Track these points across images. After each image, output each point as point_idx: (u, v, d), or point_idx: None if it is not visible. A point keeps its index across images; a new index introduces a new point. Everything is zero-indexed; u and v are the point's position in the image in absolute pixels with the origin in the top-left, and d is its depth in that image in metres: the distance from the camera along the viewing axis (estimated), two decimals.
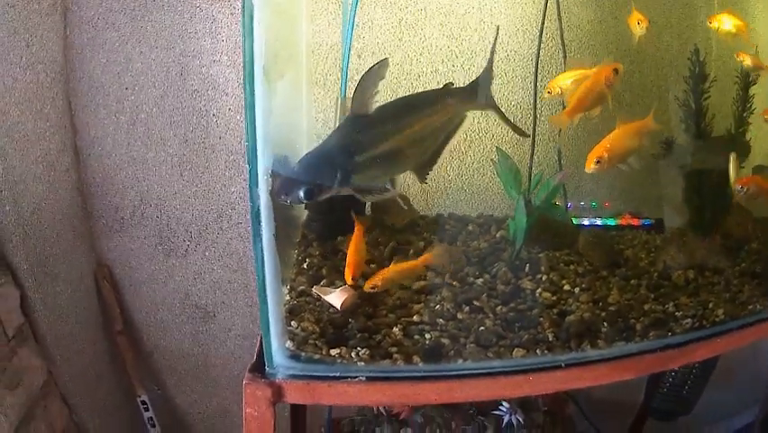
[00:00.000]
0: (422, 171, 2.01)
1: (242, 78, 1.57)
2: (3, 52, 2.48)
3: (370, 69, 1.86)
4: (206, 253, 3.14)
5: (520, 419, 2.63)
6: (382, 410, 2.74)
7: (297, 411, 3.00)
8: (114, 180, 2.98)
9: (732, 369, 3.66)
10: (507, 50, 2.82)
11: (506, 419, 2.64)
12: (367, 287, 2.02)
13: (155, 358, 3.38)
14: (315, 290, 2.09)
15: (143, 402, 3.28)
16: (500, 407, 2.66)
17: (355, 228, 2.12)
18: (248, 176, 1.62)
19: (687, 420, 3.39)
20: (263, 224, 1.65)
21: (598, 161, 2.06)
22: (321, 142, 1.90)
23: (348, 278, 2.03)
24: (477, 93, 2.11)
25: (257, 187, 1.62)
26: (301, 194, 1.73)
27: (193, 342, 3.35)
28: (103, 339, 3.17)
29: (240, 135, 2.86)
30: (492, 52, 2.14)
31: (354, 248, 2.10)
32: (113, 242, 3.09)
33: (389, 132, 1.90)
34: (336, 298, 2.00)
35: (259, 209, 1.63)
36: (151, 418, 3.32)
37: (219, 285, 3.22)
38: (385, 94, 2.71)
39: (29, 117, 2.59)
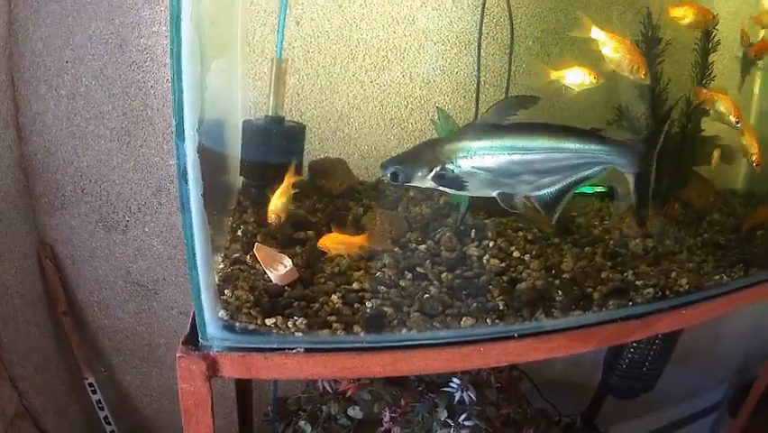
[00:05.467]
0: (547, 209, 1.91)
1: None
2: None
3: (521, 96, 1.90)
4: (146, 229, 3.08)
5: (472, 396, 2.58)
6: (329, 388, 2.70)
7: (244, 391, 2.96)
8: (55, 156, 2.91)
9: (693, 352, 3.67)
10: (451, 17, 2.76)
11: (457, 395, 2.58)
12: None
13: (100, 339, 3.33)
14: (256, 250, 2.03)
15: (91, 385, 3.23)
16: (451, 383, 2.61)
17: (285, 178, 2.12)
18: (173, 130, 1.52)
19: (649, 400, 3.36)
20: (191, 183, 1.56)
21: None
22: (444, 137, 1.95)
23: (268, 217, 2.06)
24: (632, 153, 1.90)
25: (183, 142, 1.53)
26: (388, 174, 1.83)
27: (136, 321, 3.31)
28: (48, 320, 3.11)
29: None
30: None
31: (278, 192, 2.10)
32: (54, 219, 3.02)
33: (506, 149, 1.84)
34: (276, 276, 1.92)
35: (185, 167, 1.54)
36: (99, 400, 3.26)
37: (160, 261, 3.18)
38: (323, 62, 2.67)
39: None
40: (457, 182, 1.83)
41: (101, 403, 3.28)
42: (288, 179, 2.10)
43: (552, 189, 1.86)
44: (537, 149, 1.82)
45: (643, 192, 1.91)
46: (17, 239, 2.86)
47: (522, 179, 1.85)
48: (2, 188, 2.74)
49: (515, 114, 1.82)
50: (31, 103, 2.81)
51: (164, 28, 2.73)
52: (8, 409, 2.69)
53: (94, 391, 3.24)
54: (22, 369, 2.85)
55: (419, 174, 1.82)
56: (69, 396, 3.25)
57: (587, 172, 1.85)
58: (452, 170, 1.81)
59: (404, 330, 1.83)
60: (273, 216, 2.06)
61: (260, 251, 2.00)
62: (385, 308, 1.86)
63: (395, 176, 1.81)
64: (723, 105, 2.29)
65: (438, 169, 1.81)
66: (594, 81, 2.18)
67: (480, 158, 1.81)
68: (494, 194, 1.86)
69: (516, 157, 1.82)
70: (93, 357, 3.32)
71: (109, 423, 3.33)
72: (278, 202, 2.07)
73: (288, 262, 1.94)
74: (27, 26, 2.70)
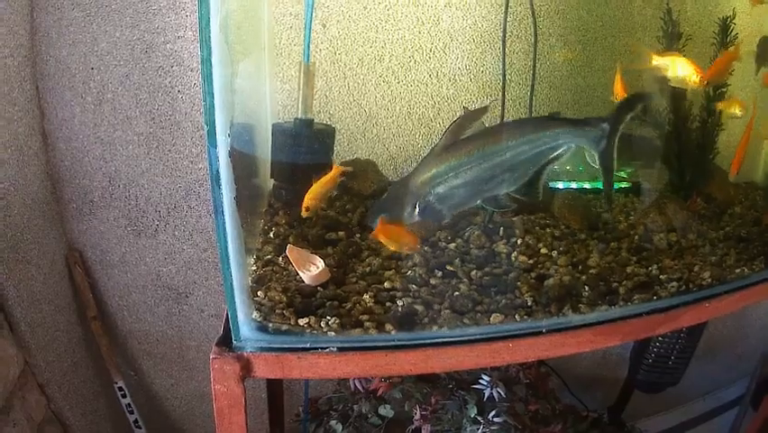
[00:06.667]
0: (529, 194, 1.97)
1: None
2: None
3: (472, 110, 1.99)
4: (176, 233, 3.09)
5: (501, 393, 2.59)
6: (360, 387, 2.71)
7: (275, 393, 2.97)
8: (83, 162, 2.92)
9: (717, 345, 3.66)
10: (475, 17, 2.77)
11: (487, 392, 2.59)
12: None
13: (130, 343, 3.34)
14: (288, 252, 2.03)
15: (120, 389, 3.24)
16: (481, 380, 2.62)
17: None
18: (205, 136, 1.54)
19: (674, 394, 3.36)
20: (223, 186, 1.58)
21: None
22: (412, 171, 2.01)
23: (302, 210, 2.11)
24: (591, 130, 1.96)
25: (215, 147, 1.54)
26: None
27: (167, 324, 3.32)
28: (77, 325, 3.12)
29: None
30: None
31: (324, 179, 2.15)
32: (83, 225, 3.04)
33: (473, 162, 1.90)
34: (309, 276, 1.94)
35: (218, 171, 1.56)
36: (129, 404, 3.27)
37: (190, 265, 3.18)
38: (350, 64, 2.68)
39: None
40: (441, 209, 1.91)
41: (131, 407, 3.29)
42: (337, 169, 2.16)
43: (526, 177, 1.93)
44: (503, 150, 1.89)
45: (608, 171, 1.96)
46: (45, 246, 2.88)
47: (501, 180, 1.92)
48: (29, 194, 2.76)
49: (470, 127, 1.91)
50: (57, 110, 2.83)
51: (190, 33, 2.74)
52: (36, 416, 2.71)
53: (123, 396, 3.26)
54: (51, 374, 2.86)
55: (406, 215, 1.89)
56: (98, 400, 3.26)
57: (554, 154, 1.92)
58: (433, 201, 1.88)
59: (435, 328, 1.83)
60: (310, 202, 2.11)
61: (292, 252, 2.01)
62: (416, 307, 1.87)
63: None
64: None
65: (421, 203, 1.88)
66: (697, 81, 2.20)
67: (453, 179, 1.88)
68: (479, 202, 1.94)
69: (487, 164, 1.89)
70: (123, 361, 3.34)
71: (139, 427, 3.34)
72: (319, 189, 2.12)
73: (320, 263, 1.96)
74: (51, 34, 2.72)
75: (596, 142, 1.91)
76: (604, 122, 1.89)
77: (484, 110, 1.98)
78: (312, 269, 1.94)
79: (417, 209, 1.88)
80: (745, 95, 2.54)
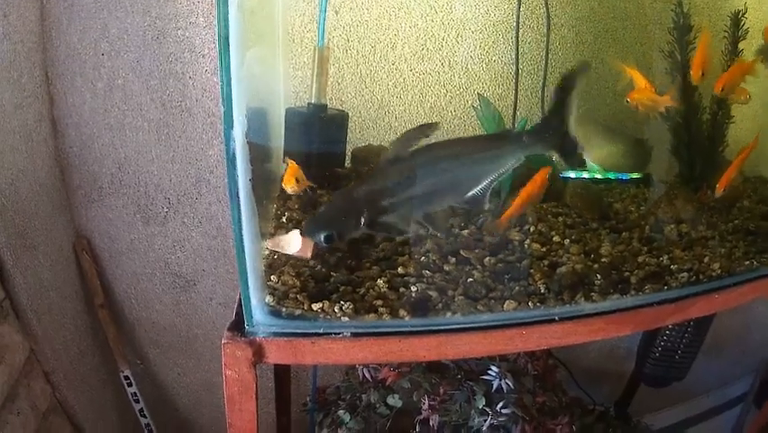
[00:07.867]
0: (477, 204, 2.00)
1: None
2: None
3: (419, 126, 1.94)
4: (185, 220, 3.08)
5: (510, 384, 2.59)
6: (368, 377, 2.70)
7: (282, 381, 2.96)
8: (92, 149, 2.91)
9: (723, 341, 3.66)
10: (488, 6, 2.76)
11: (495, 383, 2.59)
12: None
13: (137, 331, 3.34)
14: (269, 247, 2.00)
15: (126, 378, 3.24)
16: (489, 371, 2.61)
17: None
18: (222, 118, 1.53)
19: (680, 390, 3.37)
20: (239, 168, 1.57)
21: None
22: (354, 183, 2.04)
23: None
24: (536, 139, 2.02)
25: (232, 129, 1.53)
26: (322, 238, 1.81)
27: (175, 313, 3.31)
28: (84, 313, 3.12)
29: (217, 98, 2.80)
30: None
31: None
32: (91, 212, 3.03)
33: (421, 177, 1.90)
34: (297, 250, 1.93)
35: (234, 153, 1.55)
36: (135, 393, 3.27)
37: (199, 252, 3.18)
38: (363, 51, 2.67)
39: (6, 88, 2.53)
40: (389, 222, 1.88)
41: (137, 396, 3.29)
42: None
43: (479, 189, 1.94)
44: (448, 167, 1.93)
45: (570, 157, 2.00)
46: (53, 232, 2.88)
47: (449, 194, 1.96)
48: (37, 181, 2.75)
49: (416, 143, 1.89)
50: (66, 96, 2.83)
51: (201, 19, 2.72)
52: (41, 404, 2.70)
53: (130, 384, 3.26)
54: (57, 362, 2.85)
55: (351, 227, 1.85)
56: (104, 389, 3.26)
57: (506, 167, 1.95)
58: (379, 213, 1.86)
59: (448, 314, 1.82)
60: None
61: (271, 242, 2.00)
62: (430, 292, 1.87)
63: (329, 238, 1.82)
64: None
65: (366, 216, 1.84)
66: None
67: (401, 192, 1.87)
68: (420, 218, 1.95)
69: (430, 180, 1.91)
70: (129, 350, 3.34)
71: (144, 416, 3.34)
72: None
73: (294, 232, 1.96)
74: (61, 21, 2.71)
75: (548, 146, 1.96)
76: (543, 126, 1.97)
77: (434, 126, 1.98)
78: (293, 243, 1.93)
79: (363, 222, 1.84)
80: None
